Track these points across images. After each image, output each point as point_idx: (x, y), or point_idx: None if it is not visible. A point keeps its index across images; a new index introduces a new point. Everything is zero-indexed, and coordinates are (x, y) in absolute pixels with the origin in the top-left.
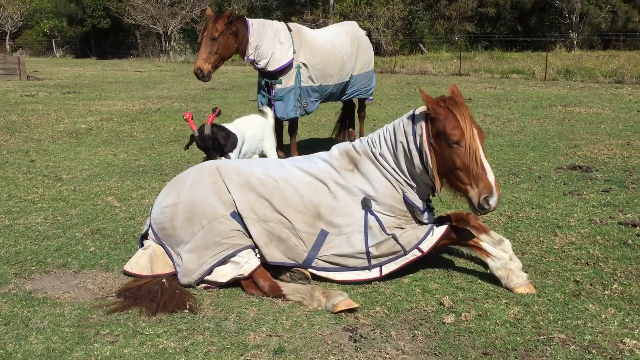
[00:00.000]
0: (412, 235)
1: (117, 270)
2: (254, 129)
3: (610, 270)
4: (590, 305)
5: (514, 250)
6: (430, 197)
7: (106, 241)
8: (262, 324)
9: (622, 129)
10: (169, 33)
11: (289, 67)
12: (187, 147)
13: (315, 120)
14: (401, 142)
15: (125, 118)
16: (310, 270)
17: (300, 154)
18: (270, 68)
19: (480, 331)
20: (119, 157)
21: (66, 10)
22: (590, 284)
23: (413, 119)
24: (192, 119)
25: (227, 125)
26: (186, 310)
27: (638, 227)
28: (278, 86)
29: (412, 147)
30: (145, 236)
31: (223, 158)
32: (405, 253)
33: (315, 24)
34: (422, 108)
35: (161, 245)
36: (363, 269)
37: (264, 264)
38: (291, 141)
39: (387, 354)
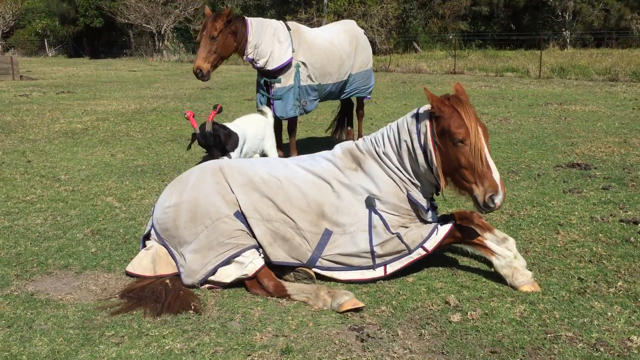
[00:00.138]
0: (417, 234)
1: (119, 271)
2: (254, 128)
3: (614, 268)
4: (596, 303)
5: (517, 248)
6: (434, 195)
7: (107, 242)
8: (267, 324)
9: (619, 126)
10: (162, 32)
11: (288, 66)
12: (189, 147)
13: (312, 119)
14: (405, 141)
15: (121, 118)
16: (314, 269)
17: (298, 153)
18: (269, 67)
19: (487, 330)
20: (117, 157)
21: (58, 9)
22: (595, 282)
23: (417, 117)
24: (193, 117)
25: (228, 125)
26: (191, 311)
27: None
28: (277, 85)
29: (417, 145)
30: (147, 237)
31: (225, 157)
32: (410, 252)
33: (309, 23)
34: (426, 106)
35: (164, 246)
36: (367, 268)
37: (268, 263)
38: (290, 140)
39: (395, 353)
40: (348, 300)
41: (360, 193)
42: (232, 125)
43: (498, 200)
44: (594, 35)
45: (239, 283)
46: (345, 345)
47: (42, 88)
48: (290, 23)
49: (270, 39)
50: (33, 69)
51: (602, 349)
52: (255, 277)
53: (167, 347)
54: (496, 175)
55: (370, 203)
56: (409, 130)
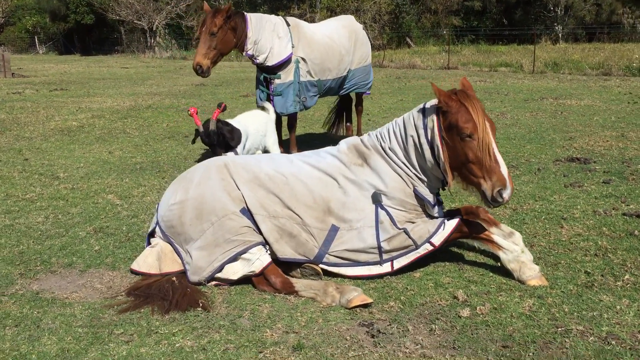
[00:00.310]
0: (424, 229)
1: (123, 269)
2: (257, 124)
3: (620, 262)
4: (604, 296)
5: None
6: (440, 190)
7: (110, 240)
8: (277, 320)
9: (615, 120)
10: (154, 29)
11: (287, 62)
12: (193, 142)
13: (310, 115)
14: (412, 136)
15: (117, 115)
16: (321, 266)
17: (298, 149)
18: (269, 63)
19: (497, 324)
20: (115, 154)
21: (49, 6)
22: (602, 275)
23: (424, 112)
24: (197, 114)
25: (230, 121)
26: (199, 308)
27: None
28: (277, 81)
29: (424, 140)
30: (152, 234)
31: (229, 153)
32: (417, 247)
33: (302, 19)
34: (433, 101)
35: (169, 243)
36: (374, 263)
37: (275, 260)
38: (290, 136)
39: (407, 348)
40: (357, 296)
41: (367, 189)
42: (234, 122)
43: (506, 194)
44: (586, 29)
45: (246, 280)
46: (357, 341)
47: (34, 85)
48: (289, 18)
49: (269, 35)
50: (24, 66)
51: (613, 342)
52: (262, 273)
53: (177, 345)
54: (504, 170)
55: (376, 199)
56: (415, 125)
